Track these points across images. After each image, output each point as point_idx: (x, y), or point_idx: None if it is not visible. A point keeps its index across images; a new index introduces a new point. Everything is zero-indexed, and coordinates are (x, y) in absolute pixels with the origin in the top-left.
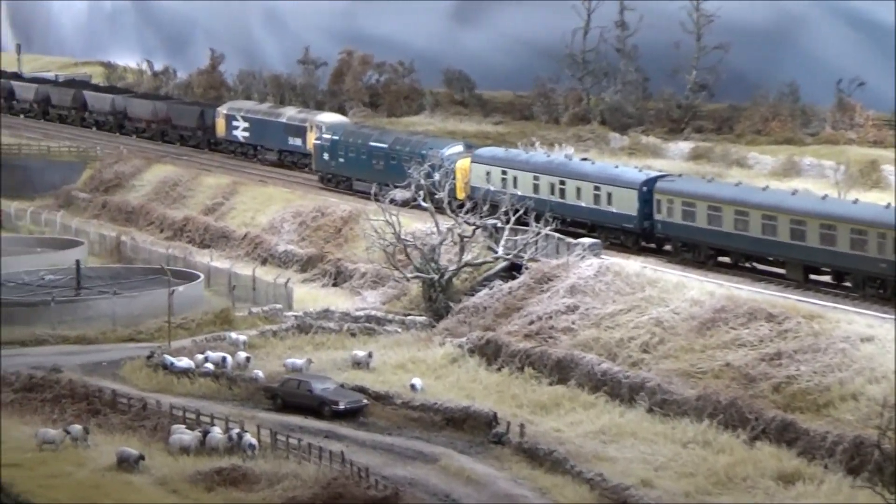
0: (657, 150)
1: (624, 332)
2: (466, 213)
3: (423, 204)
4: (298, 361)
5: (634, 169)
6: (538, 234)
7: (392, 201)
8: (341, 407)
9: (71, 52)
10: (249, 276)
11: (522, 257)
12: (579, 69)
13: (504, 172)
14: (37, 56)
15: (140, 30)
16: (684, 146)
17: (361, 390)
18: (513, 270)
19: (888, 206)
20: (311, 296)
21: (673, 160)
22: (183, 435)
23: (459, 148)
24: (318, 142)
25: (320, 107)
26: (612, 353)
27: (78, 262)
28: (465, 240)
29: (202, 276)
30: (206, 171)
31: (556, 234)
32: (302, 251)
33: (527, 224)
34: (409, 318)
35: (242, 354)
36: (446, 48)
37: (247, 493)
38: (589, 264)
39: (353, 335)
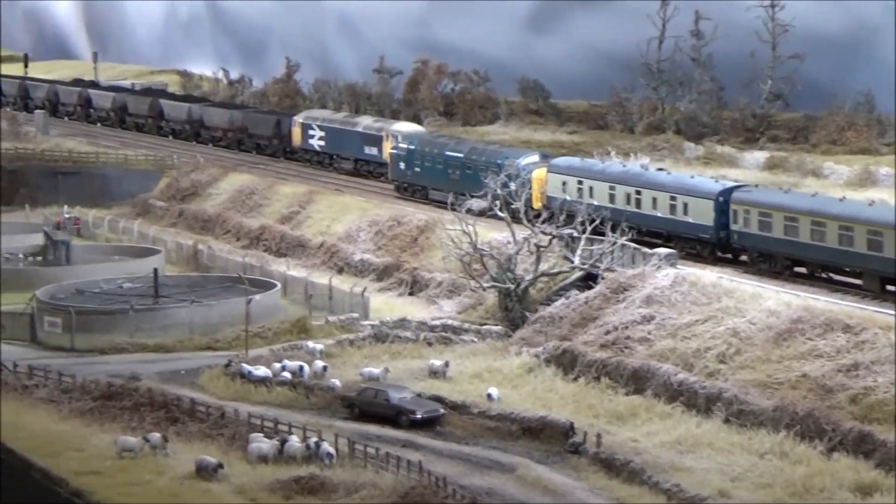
0: (732, 159)
1: (700, 343)
2: (542, 222)
3: (500, 213)
4: (375, 371)
5: (710, 179)
6: (614, 243)
7: (468, 211)
8: (418, 416)
9: (147, 61)
10: (326, 285)
11: (598, 267)
12: (654, 78)
13: (580, 182)
14: (113, 64)
15: (216, 38)
16: (759, 156)
17: (438, 400)
18: (589, 280)
19: None
20: (387, 305)
21: (748, 170)
22: (261, 443)
23: (535, 158)
24: (394, 151)
25: (395, 116)
26: (689, 363)
27: (156, 270)
28: (542, 249)
29: (279, 284)
30: (282, 179)
31: (632, 244)
32: (378, 260)
33: (603, 234)
34: (486, 327)
35: (319, 363)
36: (521, 57)
37: (325, 501)
38: (665, 274)
39: (430, 344)
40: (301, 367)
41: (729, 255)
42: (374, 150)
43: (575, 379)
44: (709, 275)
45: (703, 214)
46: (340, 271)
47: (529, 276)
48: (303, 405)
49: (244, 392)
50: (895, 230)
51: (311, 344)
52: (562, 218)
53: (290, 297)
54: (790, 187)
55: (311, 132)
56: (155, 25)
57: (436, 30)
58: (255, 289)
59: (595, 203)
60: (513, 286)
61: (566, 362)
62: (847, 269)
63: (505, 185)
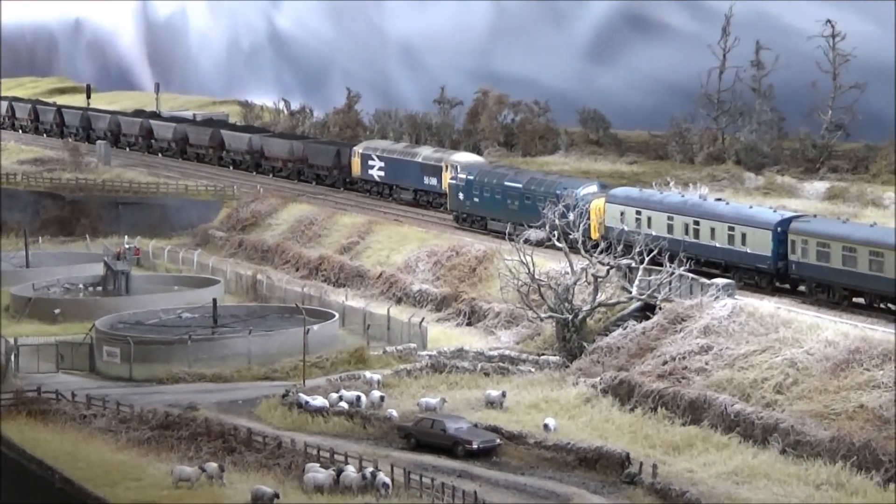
0: (792, 189)
1: (757, 373)
2: (601, 253)
3: (558, 244)
4: (432, 401)
5: (769, 209)
6: (672, 274)
7: (526, 241)
8: (475, 446)
9: (209, 92)
10: (384, 316)
11: (656, 297)
12: (715, 109)
13: (638, 213)
14: (175, 95)
15: (277, 69)
16: (819, 186)
17: (495, 430)
18: (646, 311)
19: None
20: (445, 335)
21: (808, 200)
22: (317, 473)
23: (594, 188)
24: (453, 181)
25: (455, 146)
26: (746, 393)
27: (215, 300)
28: (599, 280)
29: (337, 315)
30: (341, 210)
31: (690, 275)
32: (436, 290)
33: (661, 264)
34: (543, 357)
35: (377, 393)
36: (581, 87)
37: None
38: (723, 305)
39: (487, 375)
40: (358, 398)
41: (787, 286)
42: (433, 181)
43: (632, 409)
44: (766, 305)
45: (761, 245)
46: (399, 301)
47: (587, 307)
48: (359, 435)
49: (301, 422)
50: None
51: (368, 374)
52: (620, 248)
53: (348, 327)
54: (849, 217)
55: (370, 162)
56: (217, 56)
57: (496, 60)
58: (314, 319)
59: (653, 233)
60: (570, 316)
61: (623, 393)
62: None
63: (563, 216)
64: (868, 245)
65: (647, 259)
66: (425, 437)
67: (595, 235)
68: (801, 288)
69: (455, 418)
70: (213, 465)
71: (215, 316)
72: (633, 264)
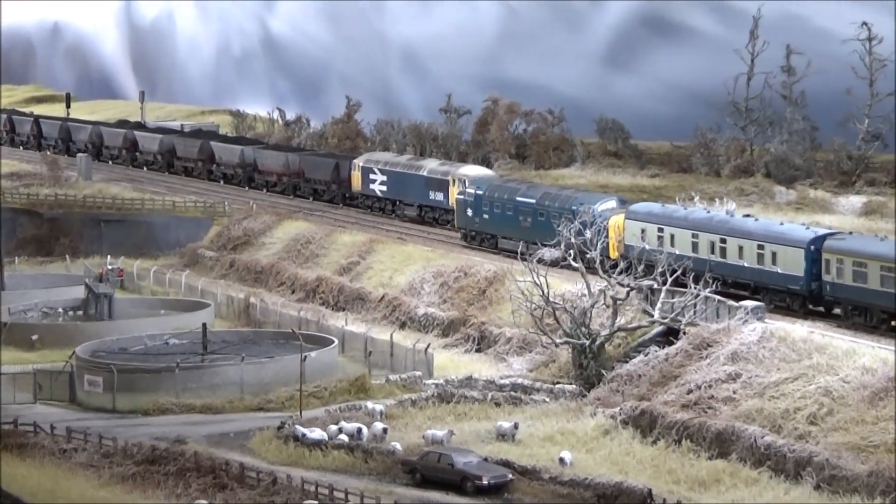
0: (826, 204)
1: (789, 403)
2: (620, 273)
3: (574, 264)
4: (439, 433)
5: (801, 226)
6: (697, 296)
7: (540, 261)
8: (485, 482)
9: (197, 100)
10: (387, 341)
11: (680, 321)
12: (742, 118)
13: (660, 230)
14: (161, 104)
15: (271, 76)
16: (856, 200)
17: (506, 464)
18: (669, 335)
19: None
20: (452, 362)
21: (843, 216)
22: None
23: (613, 203)
24: (461, 196)
25: (463, 159)
26: (777, 424)
27: (204, 325)
28: (619, 303)
29: (336, 340)
30: (340, 227)
31: (717, 297)
32: (443, 314)
33: (685, 285)
34: (558, 386)
35: (379, 425)
36: (599, 95)
37: None
38: (752, 329)
39: (498, 405)
40: (359, 430)
41: (821, 308)
42: (439, 196)
43: (654, 442)
44: (799, 329)
45: (793, 264)
46: (403, 326)
47: (605, 332)
48: (361, 470)
49: (298, 456)
50: None
51: (370, 404)
52: (640, 268)
53: (348, 353)
54: (888, 235)
55: (372, 176)
56: (206, 62)
57: (507, 66)
58: (311, 345)
59: (677, 252)
60: (587, 342)
61: (644, 424)
62: None
63: (579, 233)
64: None
65: (669, 280)
66: (432, 472)
67: (614, 255)
68: (837, 311)
69: (464, 452)
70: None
71: (205, 342)
72: (655, 285)
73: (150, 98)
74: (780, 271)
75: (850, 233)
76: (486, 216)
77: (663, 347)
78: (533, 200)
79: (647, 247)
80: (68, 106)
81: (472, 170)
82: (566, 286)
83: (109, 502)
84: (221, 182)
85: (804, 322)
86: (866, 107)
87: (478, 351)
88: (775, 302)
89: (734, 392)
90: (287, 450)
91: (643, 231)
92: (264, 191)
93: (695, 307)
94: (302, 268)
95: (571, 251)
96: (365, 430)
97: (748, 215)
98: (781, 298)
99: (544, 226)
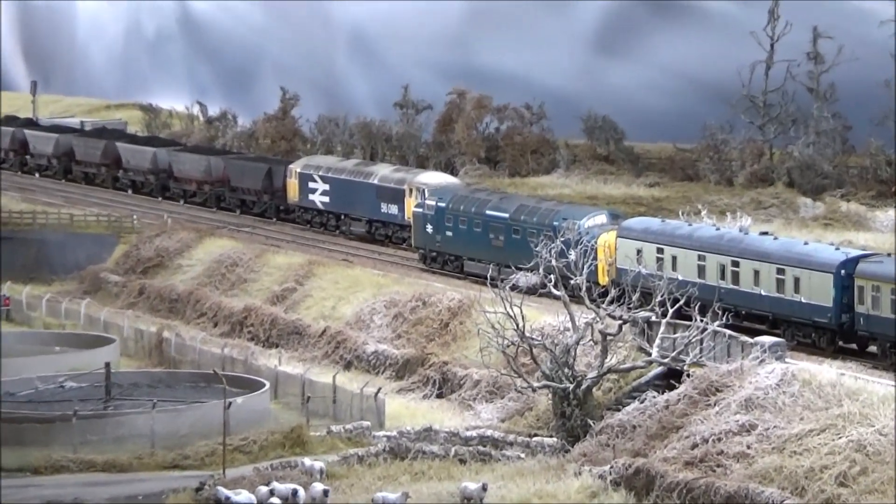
0: (860, 220)
1: (815, 459)
2: (611, 303)
3: (555, 291)
4: (392, 496)
5: (830, 246)
6: (704, 330)
7: (514, 288)
8: None
9: (102, 92)
10: (329, 385)
11: (683, 361)
12: (760, 114)
13: (660, 250)
14: (58, 97)
15: (191, 63)
16: None
17: None
18: (670, 378)
19: None
20: (408, 410)
21: (881, 233)
22: None
23: (603, 218)
24: (420, 210)
25: (423, 164)
26: (800, 485)
27: (108, 365)
28: (609, 338)
29: (267, 384)
30: (273, 246)
31: (728, 332)
32: (397, 352)
33: (689, 318)
34: (536, 439)
35: (319, 486)
36: (587, 87)
37: None
38: (770, 371)
39: (463, 462)
40: (295, 492)
41: (853, 346)
42: (393, 209)
43: None
44: (827, 371)
45: (819, 292)
46: (348, 366)
47: (593, 374)
48: None
49: None
50: None
51: (308, 461)
52: (636, 297)
53: (282, 400)
54: None
55: (312, 185)
56: (112, 46)
57: (476, 52)
58: (237, 389)
59: (679, 277)
60: (571, 386)
61: (640, 485)
62: None
63: (562, 255)
64: None
65: (671, 311)
66: None
67: (603, 280)
68: (872, 348)
69: None
70: None
71: (108, 385)
72: (654, 318)
73: (44, 90)
74: (803, 301)
75: (889, 254)
76: (449, 233)
77: (663, 393)
78: (506, 215)
79: (644, 271)
80: None
81: (433, 177)
82: (545, 318)
83: None
84: (129, 191)
85: (833, 362)
86: None
87: (439, 396)
88: (798, 338)
89: (748, 447)
90: None
91: (639, 252)
92: (181, 202)
93: (701, 344)
94: (226, 295)
95: (552, 276)
96: (302, 492)
97: (766, 233)
98: (806, 333)
99: (520, 245)
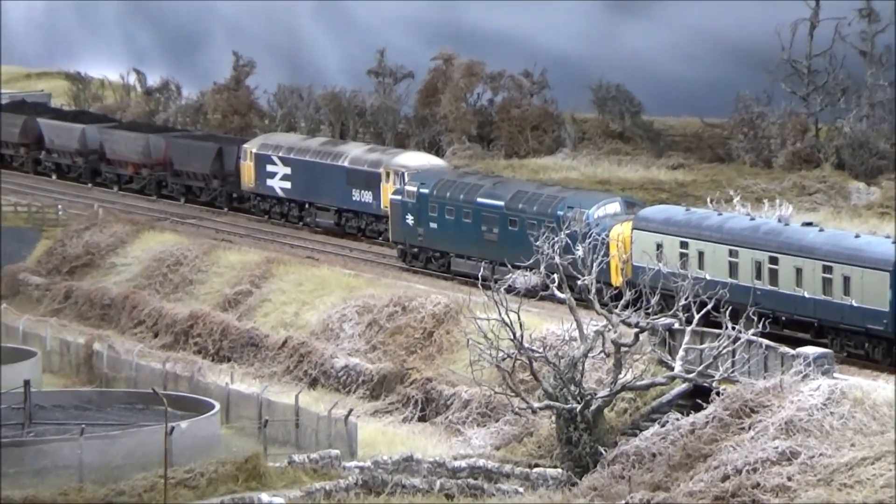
0: None
1: (868, 493)
2: (625, 307)
3: (559, 294)
4: None
5: (887, 239)
6: (736, 340)
7: (511, 290)
8: None
9: (20, 59)
10: (291, 406)
11: (712, 376)
12: (803, 83)
13: (684, 245)
14: None
15: (126, 25)
16: None
17: None
18: (697, 397)
19: None
20: (385, 436)
21: None
22: None
23: (616, 206)
24: (399, 197)
25: (403, 143)
26: None
27: (27, 382)
28: (624, 350)
29: (217, 405)
30: (225, 242)
31: (764, 341)
32: (372, 367)
33: (718, 325)
34: (537, 470)
35: None
36: (597, 51)
37: None
38: (815, 388)
39: (451, 497)
40: None
41: None
42: (367, 196)
43: None
44: (882, 388)
45: (874, 294)
46: (314, 384)
47: (604, 392)
48: None
49: None
50: None
51: (265, 497)
52: (655, 300)
53: (234, 424)
54: None
55: (270, 168)
56: (33, 5)
57: (466, 9)
58: (181, 412)
59: (707, 277)
60: (579, 406)
61: None
62: None
63: (567, 250)
64: None
65: (696, 317)
66: None
67: (617, 280)
68: None
69: None
70: None
71: (28, 407)
72: (676, 325)
73: None
74: (855, 304)
75: None
76: (433, 225)
77: (687, 414)
78: (501, 203)
79: (665, 269)
80: None
81: (415, 158)
82: (548, 326)
83: None
84: (53, 176)
85: (889, 377)
86: None
87: (422, 420)
88: (848, 348)
89: (789, 478)
90: None
91: (659, 246)
92: (115, 189)
93: (733, 356)
94: (169, 300)
95: (555, 276)
96: None
97: (810, 223)
98: (857, 343)
99: (517, 239)
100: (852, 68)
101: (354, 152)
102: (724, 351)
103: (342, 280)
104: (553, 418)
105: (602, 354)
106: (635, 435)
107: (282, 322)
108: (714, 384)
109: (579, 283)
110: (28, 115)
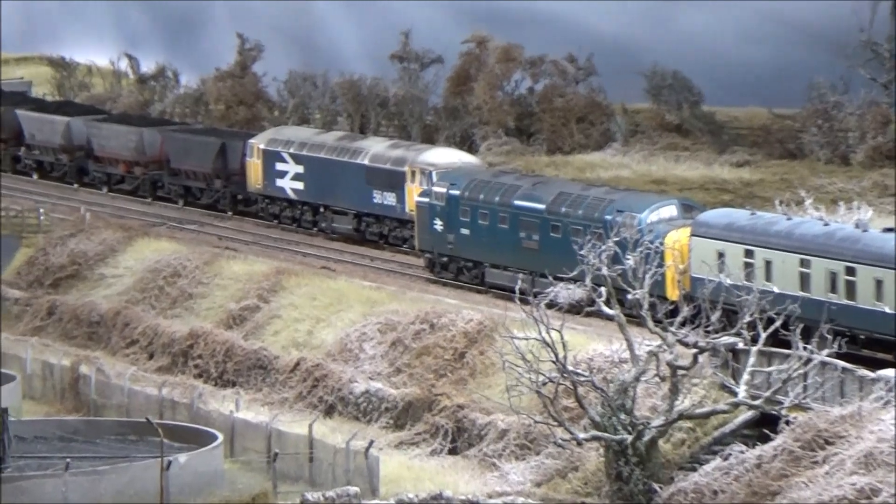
0: None
1: None
2: (682, 325)
3: (607, 310)
4: None
5: None
6: (808, 362)
7: (553, 305)
8: None
9: None
10: (303, 437)
11: (781, 403)
12: (884, 69)
13: (749, 253)
14: None
15: (117, 6)
16: None
17: None
18: (763, 426)
19: None
20: (410, 471)
21: None
22: None
23: (672, 210)
24: (426, 199)
25: (430, 138)
26: None
27: (5, 411)
28: (681, 373)
29: (220, 436)
30: (229, 251)
31: (841, 363)
32: (396, 392)
33: (788, 345)
34: None
35: None
36: (651, 34)
37: None
38: None
39: None
40: None
41: None
42: (390, 198)
43: None
44: None
45: None
46: (330, 412)
47: (659, 421)
48: None
49: None
50: None
51: None
52: (716, 317)
53: (240, 458)
54: None
55: (280, 166)
56: None
57: None
58: (179, 444)
59: (775, 290)
60: (630, 437)
61: None
62: None
63: (617, 260)
64: None
65: (763, 336)
66: None
67: (673, 294)
68: None
69: None
70: None
71: (6, 439)
72: (741, 345)
73: None
74: None
75: None
76: (465, 231)
77: (753, 446)
78: (542, 206)
79: (728, 281)
80: None
81: (444, 155)
82: (594, 346)
83: None
84: (34, 176)
85: None
86: None
87: (452, 452)
88: None
89: None
90: None
91: (721, 255)
92: (105, 190)
93: (804, 380)
94: (166, 316)
95: (603, 289)
96: None
97: (891, 229)
98: None
99: (559, 247)
100: None
101: (375, 148)
102: (795, 374)
103: (362, 294)
104: (601, 451)
105: (656, 378)
106: (694, 470)
107: (293, 342)
108: (783, 412)
109: (630, 297)
110: (5, 106)
